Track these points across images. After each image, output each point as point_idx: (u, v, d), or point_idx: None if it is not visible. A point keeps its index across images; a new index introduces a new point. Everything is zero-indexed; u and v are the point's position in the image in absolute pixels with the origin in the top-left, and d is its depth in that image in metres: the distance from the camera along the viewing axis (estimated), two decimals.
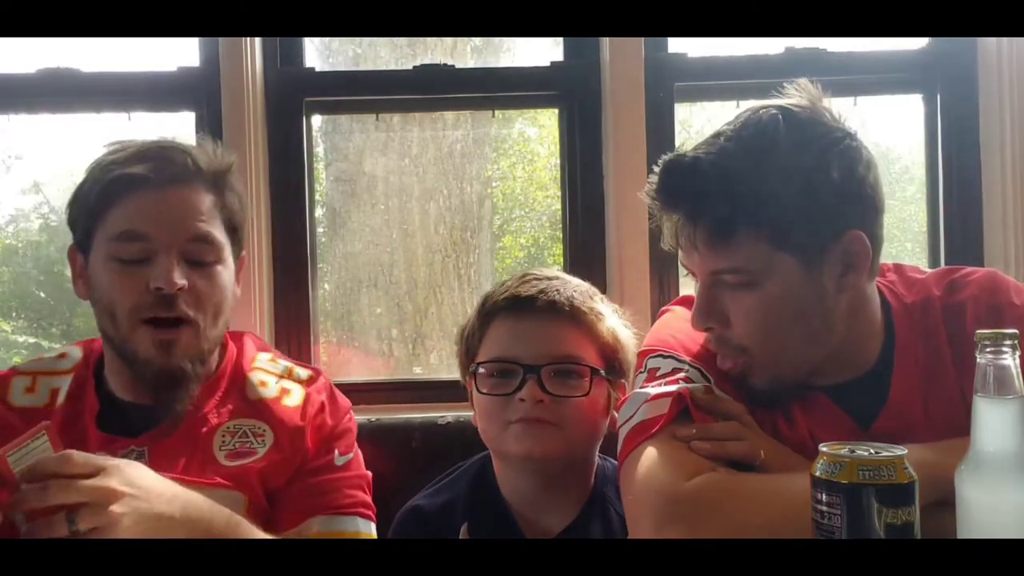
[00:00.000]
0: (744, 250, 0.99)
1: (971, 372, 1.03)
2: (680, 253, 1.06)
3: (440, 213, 1.96)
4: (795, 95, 1.04)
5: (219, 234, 1.20)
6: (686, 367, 1.06)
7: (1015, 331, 0.74)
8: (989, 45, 1.79)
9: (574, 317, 1.19)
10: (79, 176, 1.23)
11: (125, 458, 1.09)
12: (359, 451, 1.28)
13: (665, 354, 1.09)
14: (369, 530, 1.22)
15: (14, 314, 2.03)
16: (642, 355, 1.13)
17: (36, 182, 2.02)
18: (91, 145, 1.21)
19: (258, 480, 1.16)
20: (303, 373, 1.29)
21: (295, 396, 1.24)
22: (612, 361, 1.22)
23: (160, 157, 1.17)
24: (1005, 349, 0.74)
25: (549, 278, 1.24)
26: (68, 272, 1.25)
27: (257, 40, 1.77)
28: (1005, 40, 1.76)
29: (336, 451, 1.24)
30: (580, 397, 1.16)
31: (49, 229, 2.06)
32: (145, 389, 1.17)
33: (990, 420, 0.73)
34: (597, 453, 1.26)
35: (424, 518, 1.22)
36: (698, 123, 2.00)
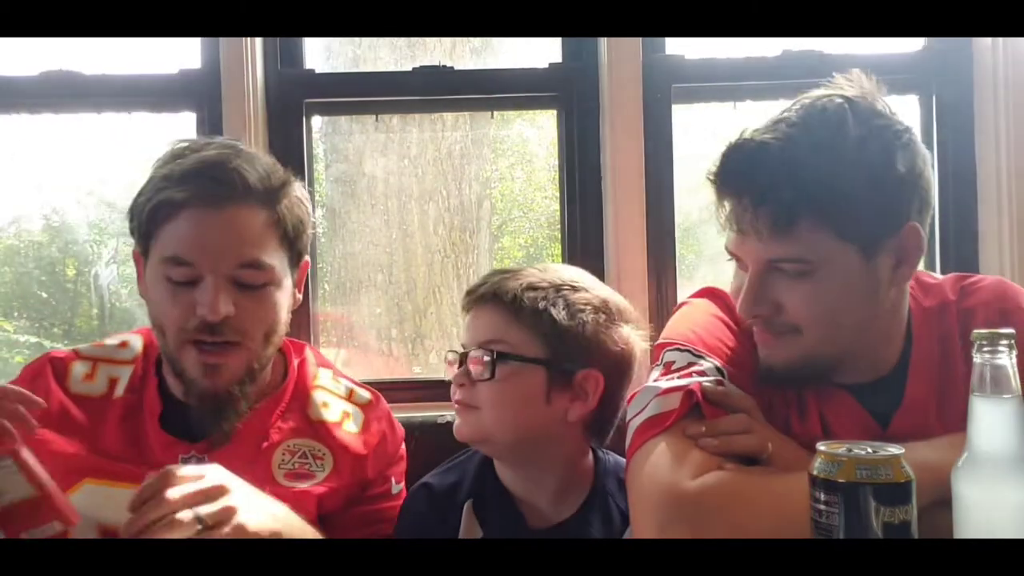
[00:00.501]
0: (807, 238, 0.98)
1: None
2: (732, 239, 1.05)
3: (439, 214, 1.97)
4: (849, 86, 1.04)
5: (270, 255, 1.15)
6: (702, 362, 1.06)
7: (1011, 331, 0.75)
8: (984, 46, 1.79)
9: (511, 305, 1.18)
10: (79, 176, 1.22)
11: (185, 463, 1.11)
12: None
13: (682, 347, 1.10)
14: None
15: (16, 314, 2.03)
16: (659, 348, 1.14)
17: (38, 183, 2.02)
18: (93, 146, 1.21)
19: (315, 505, 1.15)
20: (363, 396, 1.28)
21: (356, 421, 1.24)
22: (563, 350, 1.18)
23: (209, 177, 1.12)
24: (1001, 349, 0.75)
25: (516, 272, 1.24)
26: (70, 272, 1.24)
27: (258, 41, 1.77)
28: (1000, 41, 1.76)
29: (392, 479, 1.25)
30: (486, 380, 1.17)
31: (51, 230, 2.06)
32: (194, 407, 1.15)
33: (986, 419, 0.74)
34: (580, 443, 1.24)
35: (432, 495, 1.23)
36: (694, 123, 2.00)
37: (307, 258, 1.27)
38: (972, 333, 0.76)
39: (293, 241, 1.20)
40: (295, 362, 1.27)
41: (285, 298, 1.20)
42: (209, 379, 1.12)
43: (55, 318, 2.06)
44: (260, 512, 0.97)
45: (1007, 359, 0.74)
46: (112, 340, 1.26)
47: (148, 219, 1.13)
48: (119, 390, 1.17)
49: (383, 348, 1.96)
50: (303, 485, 1.15)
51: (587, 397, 1.18)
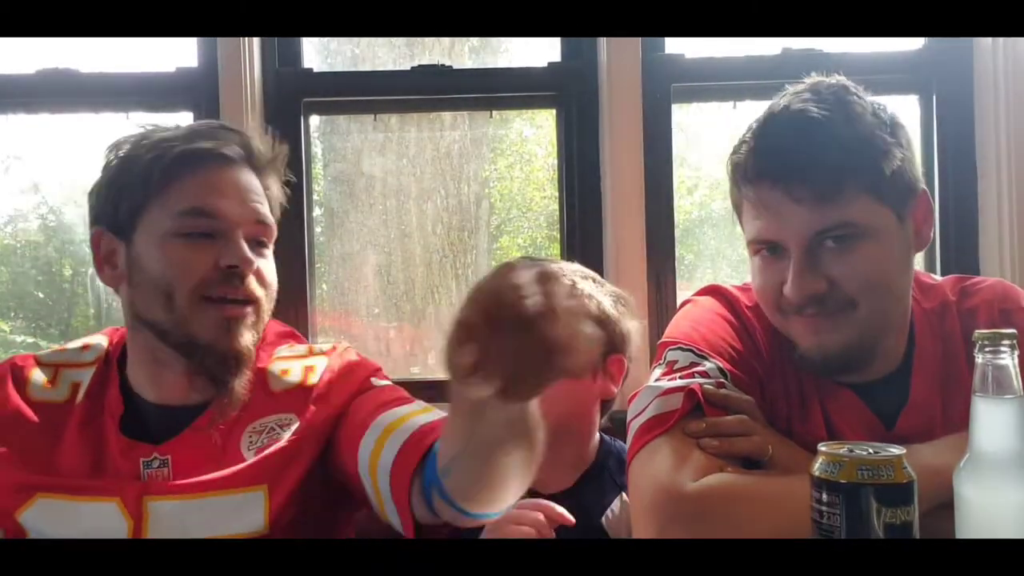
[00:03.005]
0: (852, 204, 0.99)
1: None
2: (763, 226, 1.03)
3: (438, 213, 1.96)
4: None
5: (271, 220, 1.17)
6: (705, 362, 1.06)
7: (1013, 331, 0.75)
8: (985, 45, 1.79)
9: None
10: (79, 176, 1.21)
11: (147, 467, 1.07)
12: None
13: (684, 347, 1.09)
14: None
15: (12, 314, 2.03)
16: (661, 347, 1.14)
17: (35, 182, 2.02)
18: (90, 146, 1.20)
19: (281, 462, 1.08)
20: (323, 347, 1.24)
21: (318, 371, 1.17)
22: (606, 336, 1.28)
23: (220, 136, 1.13)
24: (1003, 349, 0.74)
25: (543, 260, 1.34)
26: (67, 272, 1.22)
27: (255, 40, 1.77)
28: (1001, 40, 1.76)
29: (373, 379, 1.18)
30: None
31: (47, 229, 2.05)
32: (204, 377, 1.10)
33: (989, 420, 0.74)
34: (595, 423, 1.34)
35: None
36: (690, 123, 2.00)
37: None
38: (974, 333, 0.76)
39: (276, 222, 1.20)
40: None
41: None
42: (227, 337, 1.08)
43: (51, 318, 2.05)
44: None
45: (1009, 359, 0.74)
46: (75, 343, 1.21)
47: (162, 175, 1.09)
48: (81, 395, 1.13)
49: (381, 349, 1.95)
50: (268, 452, 1.09)
51: (615, 379, 1.31)
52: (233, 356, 1.09)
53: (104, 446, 1.09)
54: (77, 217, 2.02)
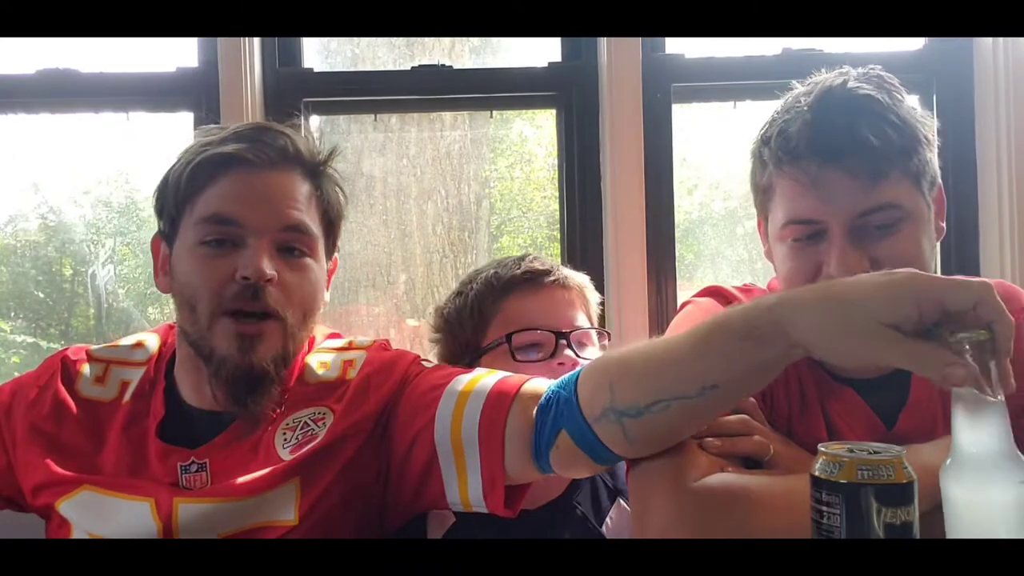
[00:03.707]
0: (898, 186, 1.00)
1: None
2: (804, 206, 1.02)
3: (438, 213, 1.96)
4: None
5: (314, 226, 1.11)
6: None
7: (988, 332, 0.74)
8: (985, 45, 1.79)
9: (578, 288, 1.29)
10: (76, 175, 1.21)
11: (184, 471, 1.05)
12: None
13: None
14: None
15: (12, 314, 2.03)
16: None
17: (35, 182, 2.02)
18: (90, 145, 1.20)
19: (317, 460, 1.05)
20: (364, 340, 1.19)
21: (357, 365, 1.13)
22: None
23: (257, 139, 1.10)
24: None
25: (534, 256, 1.32)
26: (67, 272, 1.22)
27: (256, 40, 1.77)
28: (1001, 40, 1.76)
29: (423, 363, 1.15)
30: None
31: (47, 229, 2.06)
32: (221, 391, 1.07)
33: (969, 421, 0.73)
34: None
35: None
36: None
37: (337, 257, 1.22)
38: (953, 336, 0.74)
39: (331, 224, 1.16)
40: (304, 347, 1.18)
41: (322, 280, 1.14)
42: (244, 353, 1.04)
43: (52, 318, 2.05)
44: None
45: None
46: (127, 340, 1.20)
47: (188, 182, 1.07)
48: (128, 394, 1.12)
49: None
50: (304, 450, 1.05)
51: None
52: (246, 373, 1.05)
53: (144, 449, 1.08)
54: (77, 217, 2.02)
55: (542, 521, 1.19)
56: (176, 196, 1.09)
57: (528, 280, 1.25)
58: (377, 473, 1.09)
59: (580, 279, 1.30)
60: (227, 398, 1.07)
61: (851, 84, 1.01)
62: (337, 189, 1.18)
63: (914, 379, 1.08)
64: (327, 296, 1.19)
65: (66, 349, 1.18)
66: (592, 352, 1.24)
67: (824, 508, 0.73)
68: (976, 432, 0.73)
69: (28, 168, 1.98)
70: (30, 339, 2.01)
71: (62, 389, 1.13)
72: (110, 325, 2.00)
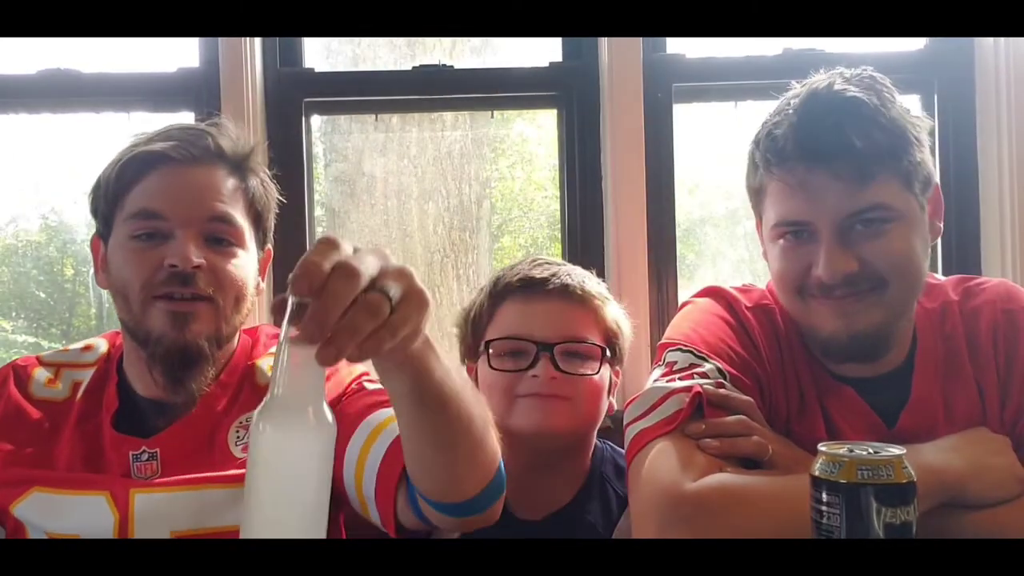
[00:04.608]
0: (886, 187, 1.00)
1: (985, 370, 1.06)
2: (793, 207, 1.03)
3: (439, 213, 1.96)
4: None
5: (240, 217, 1.15)
6: (704, 363, 1.06)
7: None
8: (986, 45, 1.79)
9: (584, 300, 1.24)
10: (77, 176, 1.22)
11: (136, 460, 1.09)
12: None
13: (684, 348, 1.09)
14: None
15: (13, 314, 2.03)
16: (661, 348, 1.14)
17: (35, 182, 2.02)
18: (91, 145, 1.20)
19: None
20: None
21: None
22: (613, 346, 1.27)
23: (180, 137, 1.14)
24: None
25: (558, 263, 1.29)
26: (68, 272, 1.24)
27: (257, 40, 1.77)
28: (1003, 40, 1.76)
29: (363, 379, 1.14)
30: (592, 375, 1.21)
31: (49, 229, 2.06)
32: (158, 370, 1.10)
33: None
34: (595, 436, 1.30)
35: None
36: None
37: (270, 247, 1.26)
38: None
39: (259, 217, 1.20)
40: (246, 341, 1.23)
41: (252, 268, 1.17)
42: (178, 331, 1.08)
43: (53, 318, 2.05)
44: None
45: None
46: (76, 345, 1.25)
47: (117, 181, 1.12)
48: (80, 393, 1.16)
49: None
50: None
51: (613, 391, 1.28)
52: (181, 350, 1.08)
53: (98, 441, 1.11)
54: (78, 217, 2.02)
55: (548, 532, 1.19)
56: (107, 196, 1.14)
57: (524, 287, 1.24)
58: None
59: (594, 290, 1.26)
60: (164, 377, 1.10)
61: (837, 86, 1.01)
62: (263, 182, 1.21)
63: (915, 378, 1.08)
64: (262, 284, 1.23)
65: (14, 360, 1.22)
66: (590, 367, 1.21)
67: (824, 508, 0.73)
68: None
69: (29, 168, 1.98)
70: (31, 339, 2.02)
71: (15, 393, 1.16)
72: (111, 325, 2.00)
